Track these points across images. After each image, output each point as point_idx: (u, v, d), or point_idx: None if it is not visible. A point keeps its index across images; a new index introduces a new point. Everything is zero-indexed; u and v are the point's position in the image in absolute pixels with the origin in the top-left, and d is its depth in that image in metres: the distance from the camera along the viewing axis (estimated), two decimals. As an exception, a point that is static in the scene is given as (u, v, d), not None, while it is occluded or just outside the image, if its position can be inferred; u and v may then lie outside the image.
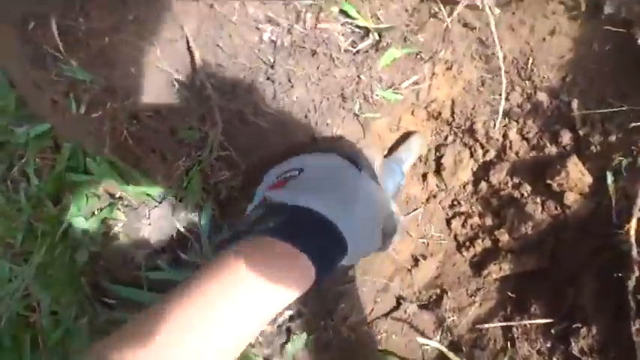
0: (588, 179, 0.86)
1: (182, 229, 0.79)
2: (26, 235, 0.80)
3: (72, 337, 0.79)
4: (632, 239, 0.77)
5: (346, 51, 0.77)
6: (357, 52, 0.77)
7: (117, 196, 0.79)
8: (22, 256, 0.81)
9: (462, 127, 0.95)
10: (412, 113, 0.95)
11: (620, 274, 0.78)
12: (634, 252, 0.77)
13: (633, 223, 0.78)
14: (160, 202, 0.79)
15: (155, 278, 0.80)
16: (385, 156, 0.90)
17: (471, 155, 0.97)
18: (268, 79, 0.76)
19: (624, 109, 0.82)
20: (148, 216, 0.80)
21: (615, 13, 0.78)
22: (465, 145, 0.97)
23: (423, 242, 0.96)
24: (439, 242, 0.97)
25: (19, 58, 0.71)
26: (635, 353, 0.76)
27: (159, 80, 0.70)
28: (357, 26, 0.77)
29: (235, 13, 0.72)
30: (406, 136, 0.93)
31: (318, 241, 0.60)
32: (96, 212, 0.79)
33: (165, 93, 0.71)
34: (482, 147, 0.96)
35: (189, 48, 0.71)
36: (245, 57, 0.74)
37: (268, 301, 0.55)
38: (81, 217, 0.79)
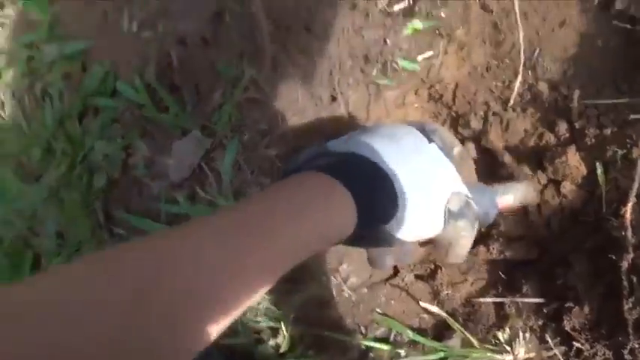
0: (584, 169, 0.91)
1: (204, 166, 0.79)
2: (43, 155, 0.78)
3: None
4: (628, 222, 0.82)
5: (381, 11, 0.81)
6: (390, 14, 0.81)
7: (142, 124, 0.79)
8: (34, 176, 0.79)
9: (460, 112, 0.99)
10: (416, 93, 0.98)
11: (611, 257, 0.82)
12: (629, 234, 0.81)
13: (629, 207, 0.83)
14: (185, 135, 0.80)
15: (170, 211, 0.79)
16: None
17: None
18: (306, 28, 0.79)
19: (622, 101, 0.88)
20: (171, 148, 0.80)
21: (624, 10, 0.85)
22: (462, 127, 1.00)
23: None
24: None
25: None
26: (627, 330, 0.79)
27: (212, 5, 0.72)
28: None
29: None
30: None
31: (365, 182, 0.57)
32: (119, 139, 0.79)
33: (216, 20, 0.73)
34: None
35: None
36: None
37: (306, 232, 0.50)
38: (103, 141, 0.78)
